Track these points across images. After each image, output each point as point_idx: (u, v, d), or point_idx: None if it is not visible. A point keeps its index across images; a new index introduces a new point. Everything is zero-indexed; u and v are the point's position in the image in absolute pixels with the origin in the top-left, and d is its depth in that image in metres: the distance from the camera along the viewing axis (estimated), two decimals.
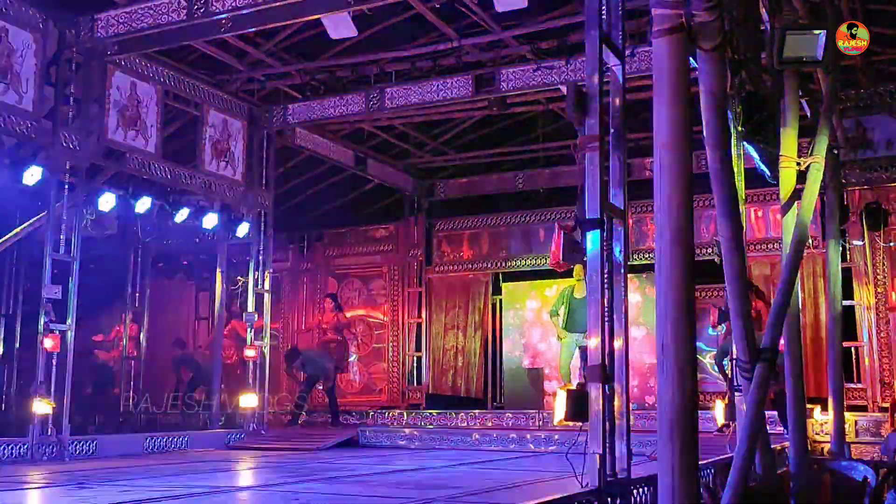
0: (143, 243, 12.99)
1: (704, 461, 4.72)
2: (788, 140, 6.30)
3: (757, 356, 5.15)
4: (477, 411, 12.09)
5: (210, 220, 10.62)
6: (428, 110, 11.73)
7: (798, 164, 6.40)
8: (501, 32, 9.75)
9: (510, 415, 11.40)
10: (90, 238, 9.49)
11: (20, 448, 8.13)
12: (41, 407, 8.21)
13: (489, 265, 13.75)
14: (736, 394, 6.61)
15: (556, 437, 9.57)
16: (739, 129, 5.91)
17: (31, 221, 9.69)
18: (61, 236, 8.64)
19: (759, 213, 11.71)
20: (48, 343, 8.33)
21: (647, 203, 11.30)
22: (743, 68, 5.95)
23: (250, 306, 11.13)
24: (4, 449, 8.04)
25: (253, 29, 9.06)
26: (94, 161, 9.21)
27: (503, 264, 13.68)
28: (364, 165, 13.23)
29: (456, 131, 13.36)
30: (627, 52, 5.09)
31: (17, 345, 11.32)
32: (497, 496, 5.00)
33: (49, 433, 8.26)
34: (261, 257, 11.34)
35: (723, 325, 8.90)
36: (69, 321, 8.56)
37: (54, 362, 8.40)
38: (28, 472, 7.27)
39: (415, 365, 13.81)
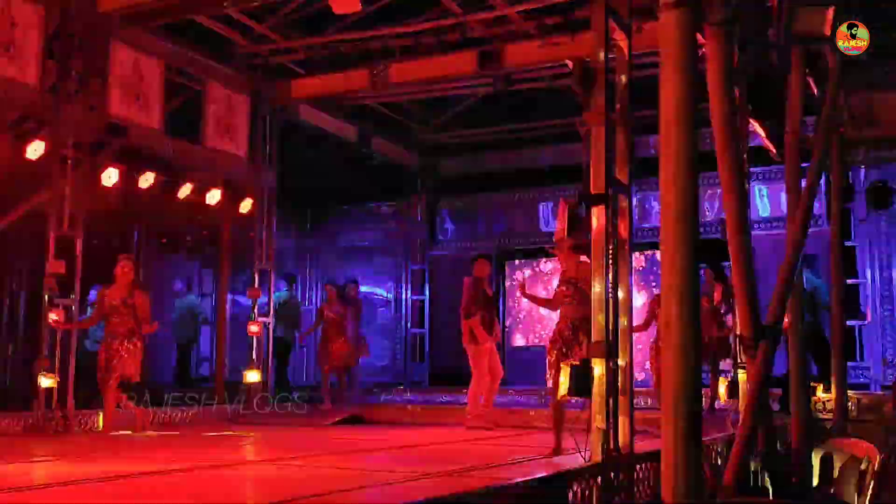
0: (146, 219, 12.98)
1: (707, 438, 4.74)
2: (794, 117, 6.27)
3: (761, 333, 5.16)
4: None
5: (213, 197, 10.61)
6: (432, 87, 11.68)
7: (804, 141, 6.38)
8: (506, 8, 9.68)
9: (512, 392, 11.43)
10: (93, 213, 9.47)
11: (26, 421, 8.18)
12: (46, 381, 8.25)
13: (493, 243, 13.74)
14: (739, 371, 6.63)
15: None
16: (746, 105, 5.88)
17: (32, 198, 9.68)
18: (65, 212, 8.64)
19: (765, 191, 11.68)
20: (52, 317, 8.36)
21: (650, 181, 11.30)
22: (750, 44, 5.91)
23: (255, 283, 11.18)
24: (11, 422, 8.10)
25: (256, 3, 9.00)
26: (97, 136, 9.17)
27: (507, 241, 13.67)
28: (368, 142, 13.19)
29: (460, 108, 13.31)
30: (633, 28, 5.04)
31: (22, 320, 11.34)
32: (500, 471, 5.02)
33: (54, 407, 8.31)
34: (265, 234, 11.34)
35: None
36: (73, 296, 8.59)
37: (59, 337, 8.44)
38: (34, 445, 7.31)
39: (418, 342, 13.84)
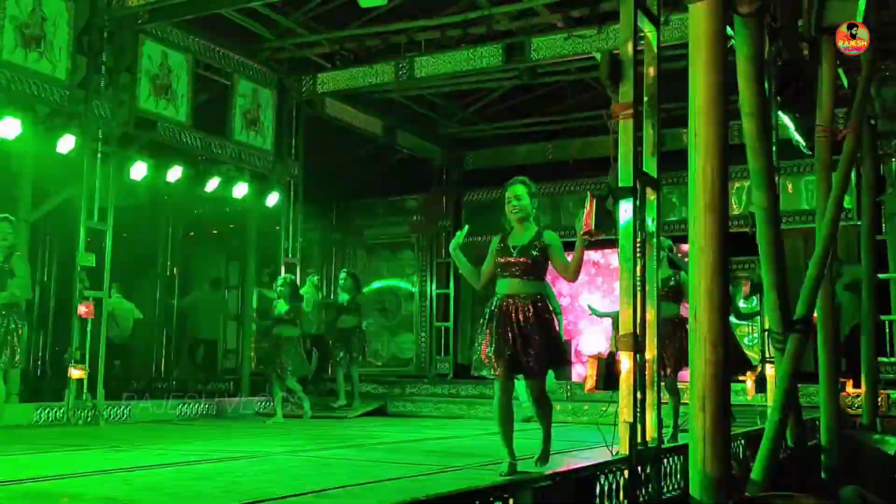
0: (174, 212, 13.11)
1: (735, 431, 4.70)
2: (825, 110, 6.20)
3: (790, 328, 5.12)
4: None
5: (240, 190, 10.68)
6: (457, 80, 11.66)
7: (834, 134, 6.31)
8: (533, 0, 9.64)
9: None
10: (122, 206, 9.59)
11: (56, 412, 8.30)
12: (76, 372, 8.36)
13: None
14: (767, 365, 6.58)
15: (585, 407, 9.59)
16: (776, 98, 5.83)
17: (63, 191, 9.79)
18: (95, 205, 8.74)
19: (793, 185, 11.56)
20: (82, 309, 8.47)
21: (675, 174, 11.24)
22: (780, 35, 5.86)
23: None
24: (42, 413, 8.22)
25: None
26: (126, 130, 9.27)
27: None
28: (393, 135, 13.20)
29: (485, 101, 13.27)
30: (661, 20, 5.00)
31: (53, 312, 11.50)
32: (526, 465, 5.02)
33: (84, 398, 8.42)
34: (290, 227, 11.40)
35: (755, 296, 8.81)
36: (103, 289, 8.69)
37: (88, 329, 8.55)
38: (65, 436, 7.42)
39: (443, 335, 13.85)
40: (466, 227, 5.18)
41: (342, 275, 10.87)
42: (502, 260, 4.87)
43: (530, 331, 4.68)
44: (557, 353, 4.84)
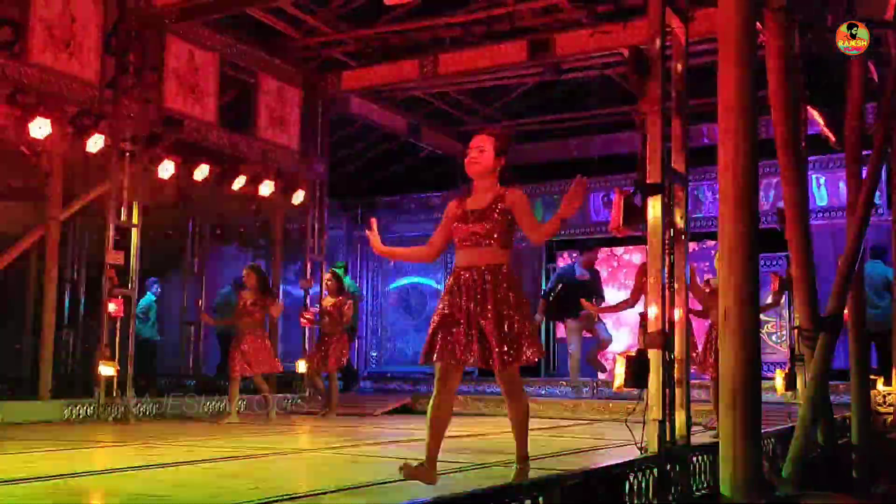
0: (201, 211, 13.19)
1: (765, 430, 4.67)
2: (855, 104, 6.14)
3: (820, 325, 5.08)
4: (530, 379, 12.11)
5: (266, 188, 10.74)
6: (481, 77, 11.66)
7: (864, 128, 6.24)
8: None
9: (564, 383, 11.39)
10: (149, 205, 9.66)
11: (87, 409, 8.40)
12: (106, 369, 8.45)
13: None
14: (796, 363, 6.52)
15: (611, 405, 9.56)
16: (805, 92, 5.77)
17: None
18: (123, 203, 8.83)
19: (822, 181, 11.45)
20: (112, 307, 8.56)
21: (702, 171, 11.17)
22: (809, 30, 5.80)
23: (307, 274, 11.30)
24: (73, 409, 8.33)
25: None
26: (154, 129, 9.35)
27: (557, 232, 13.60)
28: (418, 133, 13.23)
29: (509, 98, 13.26)
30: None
31: (82, 310, 11.62)
32: (554, 462, 5.02)
33: (114, 395, 8.51)
34: (316, 225, 11.45)
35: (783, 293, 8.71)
36: (131, 286, 8.78)
37: (118, 326, 8.64)
38: (96, 432, 7.51)
39: None
40: (374, 221, 4.38)
41: (326, 275, 10.09)
42: (458, 227, 4.08)
43: (491, 308, 3.90)
44: (526, 339, 3.94)
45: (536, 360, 4.03)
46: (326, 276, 9.94)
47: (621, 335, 12.04)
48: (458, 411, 10.33)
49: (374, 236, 4.31)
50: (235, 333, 8.85)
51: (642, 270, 6.62)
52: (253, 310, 8.66)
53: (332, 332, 9.56)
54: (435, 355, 3.95)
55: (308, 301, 11.21)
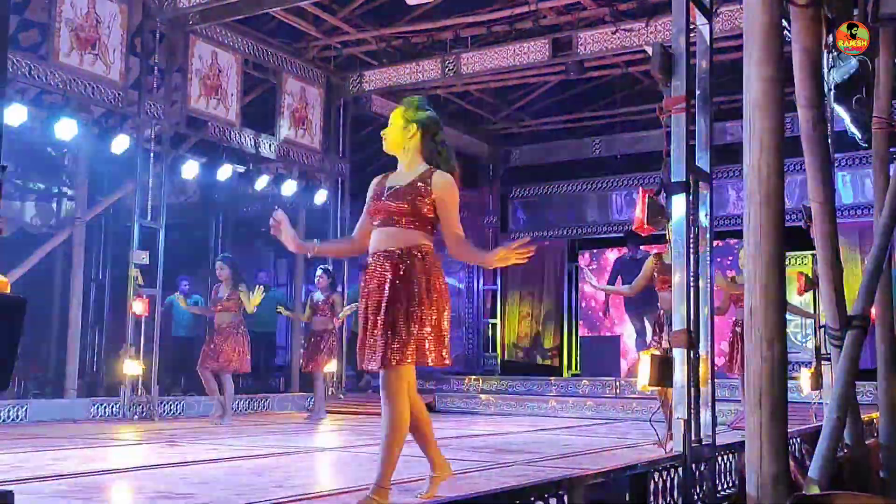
0: (224, 210, 13.27)
1: (791, 430, 4.62)
2: (881, 101, 6.06)
3: (847, 324, 5.02)
4: (553, 378, 12.09)
5: (289, 188, 10.79)
6: (504, 75, 11.65)
7: (891, 125, 6.16)
8: None
9: (586, 382, 11.35)
10: (173, 205, 9.75)
11: (112, 407, 8.48)
12: (132, 368, 8.52)
13: (565, 232, 13.67)
14: (823, 363, 6.45)
15: (634, 405, 9.52)
16: (831, 89, 5.70)
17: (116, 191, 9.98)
18: (148, 203, 8.90)
19: (849, 178, 11.34)
20: (137, 306, 8.63)
21: (725, 168, 11.10)
22: (836, 26, 5.73)
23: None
24: (98, 408, 8.41)
25: None
26: (178, 129, 9.44)
27: (579, 231, 13.58)
28: None
29: (532, 97, 13.23)
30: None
31: (107, 309, 11.73)
32: (576, 461, 5.00)
33: (139, 393, 8.59)
34: (338, 224, 11.49)
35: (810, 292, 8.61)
36: (156, 286, 8.85)
37: (143, 325, 8.71)
38: (121, 430, 7.58)
39: (490, 331, 13.85)
40: (281, 213, 3.69)
41: (318, 272, 9.49)
42: (373, 205, 3.53)
43: (389, 296, 3.34)
44: (425, 339, 3.35)
45: (433, 365, 3.42)
46: (318, 272, 9.37)
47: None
48: (479, 410, 10.43)
49: (285, 230, 3.61)
50: (209, 328, 8.43)
51: (660, 259, 6.45)
52: (227, 304, 8.13)
53: (322, 329, 9.04)
54: (360, 362, 3.47)
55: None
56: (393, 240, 3.43)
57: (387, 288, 3.35)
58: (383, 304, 3.34)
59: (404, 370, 3.38)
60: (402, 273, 3.36)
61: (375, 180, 3.64)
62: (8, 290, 2.63)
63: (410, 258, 3.40)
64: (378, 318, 3.35)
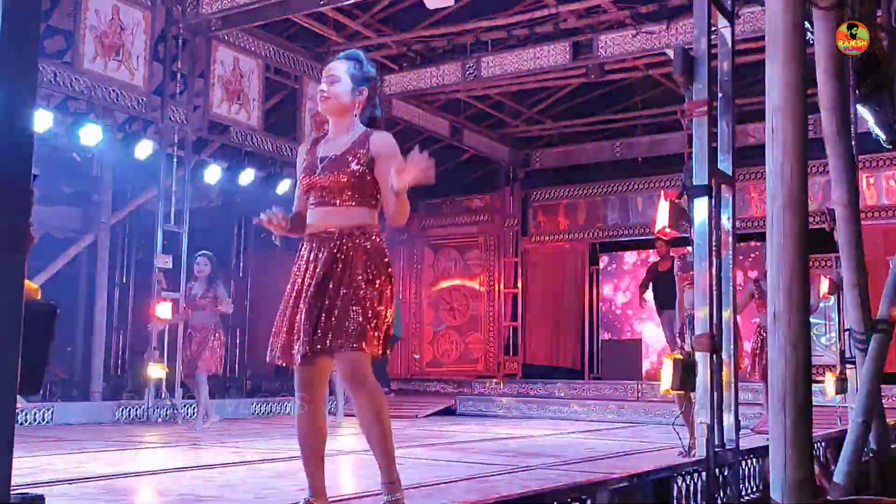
0: (246, 214, 13.35)
1: (815, 434, 4.60)
2: None
3: (872, 327, 4.98)
4: (574, 381, 12.06)
5: None
6: (524, 79, 11.64)
7: None
8: None
9: (608, 385, 11.32)
10: (196, 209, 9.82)
11: (137, 410, 8.56)
12: (156, 371, 8.59)
13: (586, 235, 13.64)
14: (847, 366, 6.41)
15: (656, 408, 9.48)
16: (855, 91, 5.66)
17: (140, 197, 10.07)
18: (171, 208, 8.98)
19: (872, 180, 11.23)
20: (160, 310, 8.70)
21: (747, 171, 11.03)
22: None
23: None
24: (123, 410, 8.49)
25: (351, 1, 9.15)
26: (200, 134, 9.52)
27: (600, 234, 13.55)
28: (460, 136, 13.24)
29: (552, 100, 13.22)
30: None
31: (131, 313, 11.84)
32: (599, 465, 4.99)
33: (163, 396, 8.65)
34: None
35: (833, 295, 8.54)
36: (180, 290, 8.92)
37: (167, 329, 8.78)
38: (146, 433, 7.64)
39: (511, 335, 13.84)
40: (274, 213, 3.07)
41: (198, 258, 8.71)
42: (306, 180, 3.09)
43: (332, 279, 2.95)
44: (368, 318, 2.93)
45: (368, 353, 2.99)
46: (199, 259, 8.26)
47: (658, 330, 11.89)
48: (499, 414, 10.43)
49: (275, 217, 3.05)
50: (183, 330, 8.03)
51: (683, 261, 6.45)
52: (202, 303, 7.67)
53: (203, 325, 7.92)
54: (273, 354, 3.06)
55: None
56: (336, 219, 3.04)
57: (324, 272, 2.95)
58: (321, 289, 2.95)
59: (369, 355, 3.00)
60: (341, 257, 2.97)
61: (303, 148, 3.19)
62: (38, 297, 2.67)
63: (351, 240, 3.01)
64: (317, 303, 2.93)
